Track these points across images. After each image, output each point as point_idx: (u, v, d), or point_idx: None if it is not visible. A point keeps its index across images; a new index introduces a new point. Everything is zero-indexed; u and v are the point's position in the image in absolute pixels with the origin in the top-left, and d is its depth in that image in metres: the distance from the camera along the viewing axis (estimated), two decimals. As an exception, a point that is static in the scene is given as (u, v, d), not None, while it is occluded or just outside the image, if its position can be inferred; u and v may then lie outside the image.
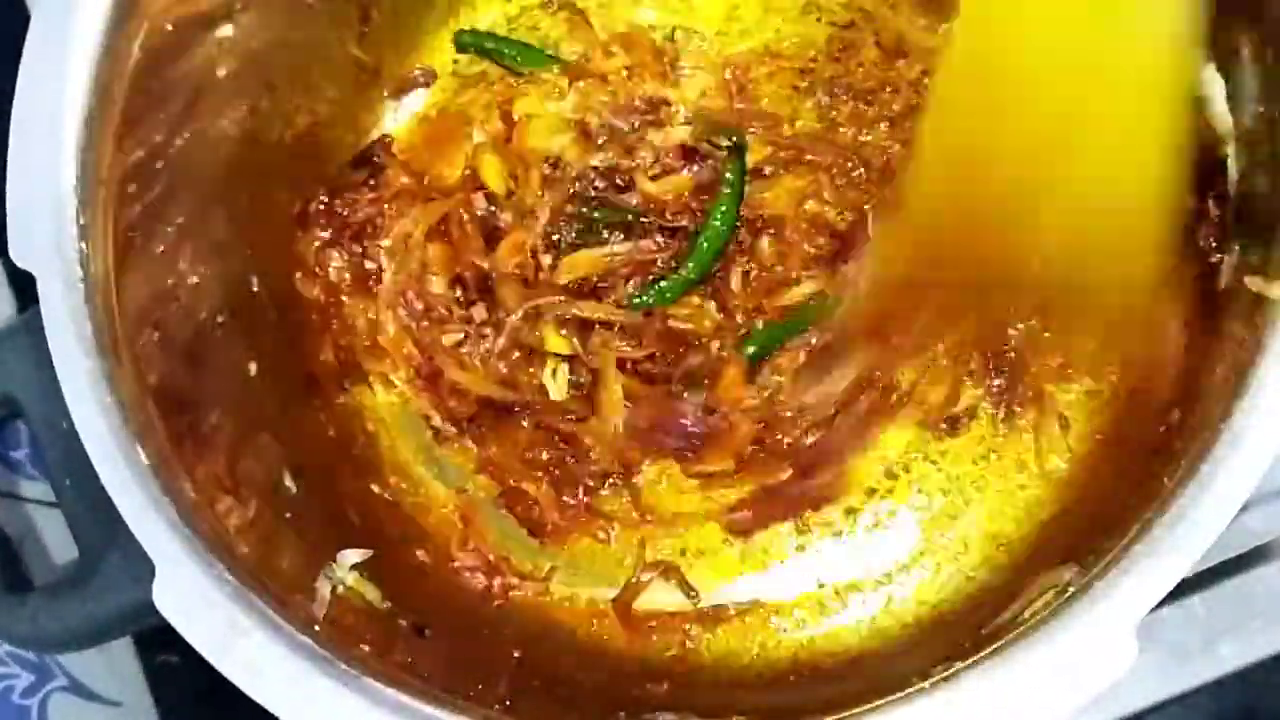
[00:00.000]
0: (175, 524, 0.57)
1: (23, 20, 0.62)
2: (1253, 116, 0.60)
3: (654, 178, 0.79)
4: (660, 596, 0.76)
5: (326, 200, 0.80)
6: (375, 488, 0.79)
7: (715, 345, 0.77)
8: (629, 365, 0.77)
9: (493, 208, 0.80)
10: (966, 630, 0.65)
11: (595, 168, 0.79)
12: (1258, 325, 0.57)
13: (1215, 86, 0.61)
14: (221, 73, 0.70)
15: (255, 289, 0.75)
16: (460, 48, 0.83)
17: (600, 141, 0.80)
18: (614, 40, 0.82)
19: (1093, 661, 0.53)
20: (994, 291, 0.69)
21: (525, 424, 0.78)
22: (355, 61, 0.81)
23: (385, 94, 0.83)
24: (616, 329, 0.77)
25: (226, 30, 0.69)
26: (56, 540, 0.81)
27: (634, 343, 0.77)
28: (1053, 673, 0.53)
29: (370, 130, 0.83)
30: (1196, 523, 0.54)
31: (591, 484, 0.77)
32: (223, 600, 0.56)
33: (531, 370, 0.78)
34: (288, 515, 0.68)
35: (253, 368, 0.73)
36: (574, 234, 0.79)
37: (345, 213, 0.80)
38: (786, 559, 0.76)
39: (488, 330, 0.78)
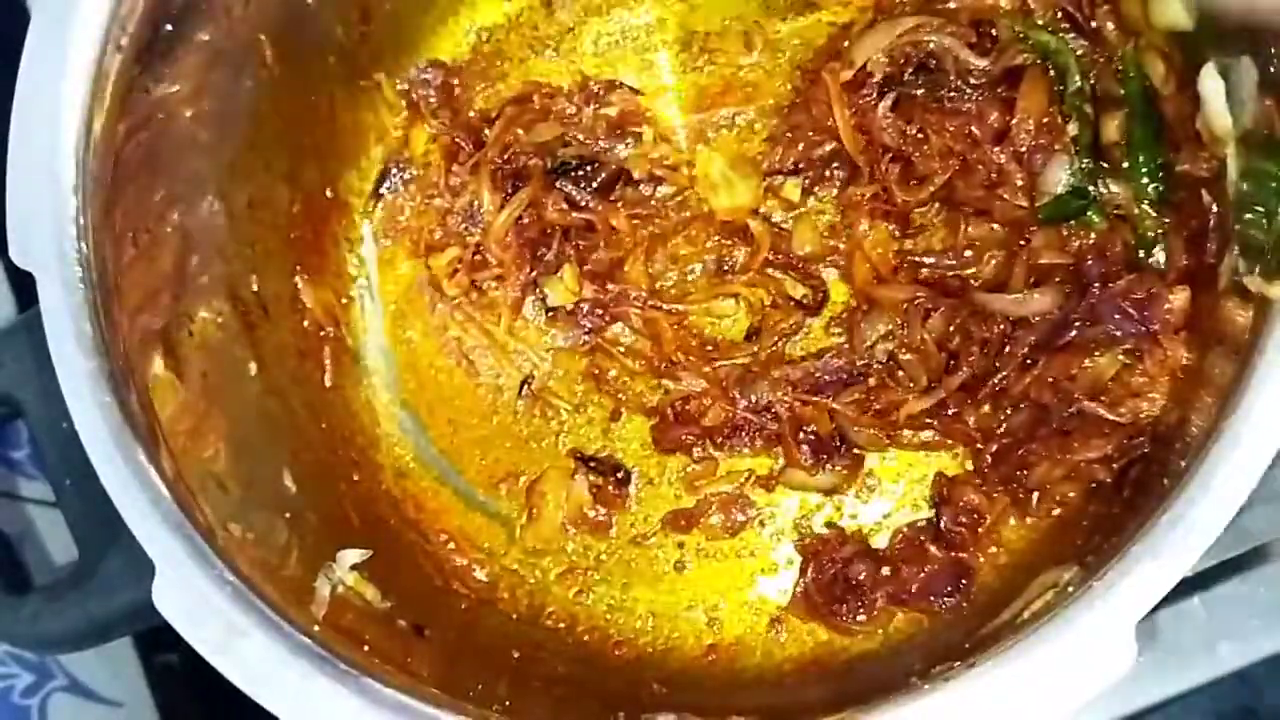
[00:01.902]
0: (175, 524, 0.57)
1: (23, 20, 0.62)
2: (1252, 116, 0.60)
3: None
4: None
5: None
6: (375, 487, 0.79)
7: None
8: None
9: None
10: (966, 630, 0.65)
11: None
12: (1257, 325, 0.57)
13: (1215, 87, 0.61)
14: (218, 72, 0.70)
15: (255, 289, 0.75)
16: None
17: None
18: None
19: (1093, 661, 0.53)
20: None
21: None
22: (357, 51, 0.81)
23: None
24: None
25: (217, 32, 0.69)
26: (56, 540, 0.81)
27: None
28: (1052, 673, 0.53)
29: (370, 132, 0.84)
30: (1196, 523, 0.54)
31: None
32: (222, 600, 0.57)
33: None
34: (288, 515, 0.68)
35: (253, 367, 0.73)
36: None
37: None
38: (792, 560, 0.76)
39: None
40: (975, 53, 0.74)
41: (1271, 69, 0.58)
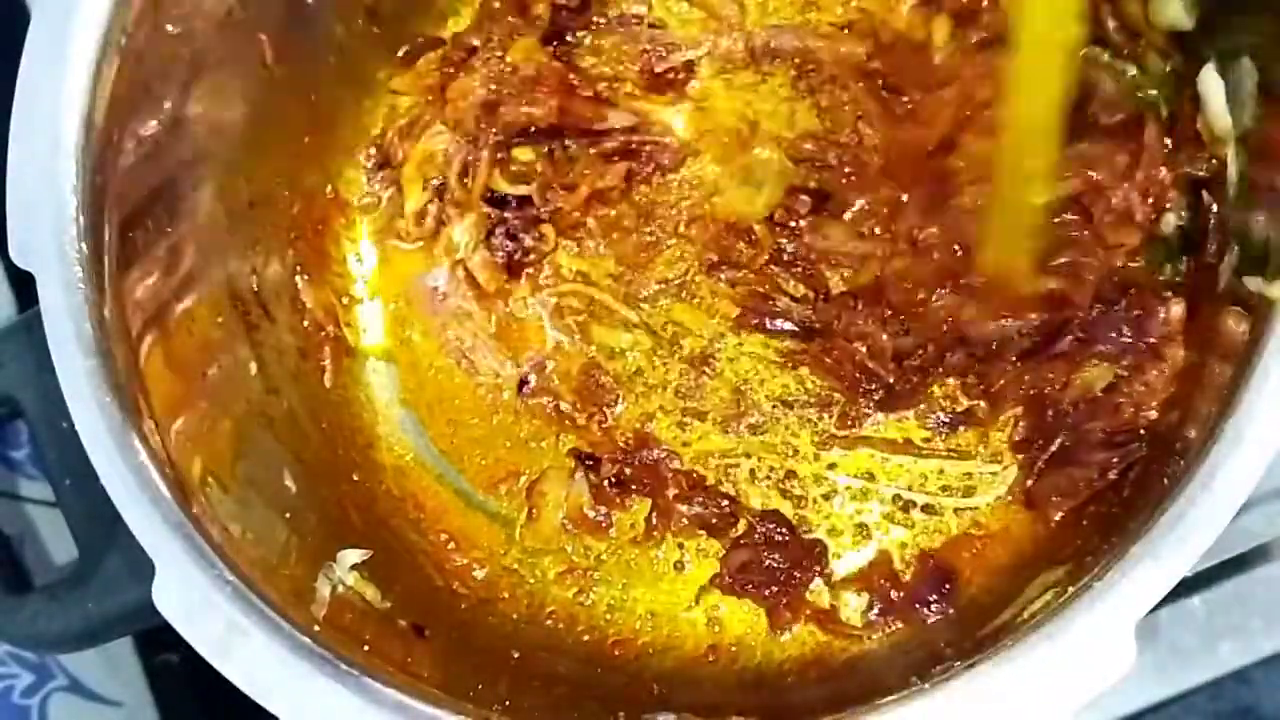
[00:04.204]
0: (175, 524, 0.57)
1: (23, 20, 0.62)
2: (1252, 116, 0.60)
3: None
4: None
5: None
6: (375, 487, 0.79)
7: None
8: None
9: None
10: (966, 630, 0.65)
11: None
12: (1257, 326, 0.57)
13: (1215, 87, 0.61)
14: (218, 72, 0.70)
15: (255, 289, 0.75)
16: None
17: None
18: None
19: (1093, 661, 0.53)
20: None
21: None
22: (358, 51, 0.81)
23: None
24: None
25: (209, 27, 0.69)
26: (56, 540, 0.81)
27: None
28: (1052, 673, 0.53)
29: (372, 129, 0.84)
30: (1196, 523, 0.54)
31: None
32: (222, 600, 0.57)
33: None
34: (288, 515, 0.68)
35: (253, 367, 0.73)
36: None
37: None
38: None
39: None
40: None
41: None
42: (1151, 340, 0.66)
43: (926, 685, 0.55)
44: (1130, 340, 0.67)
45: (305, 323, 0.79)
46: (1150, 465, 0.65)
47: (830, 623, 0.73)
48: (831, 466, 0.76)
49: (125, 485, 0.57)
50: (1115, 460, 0.67)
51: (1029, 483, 0.72)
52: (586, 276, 0.81)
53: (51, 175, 0.60)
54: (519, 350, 0.81)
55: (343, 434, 0.79)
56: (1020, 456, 0.73)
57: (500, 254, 0.81)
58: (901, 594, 0.72)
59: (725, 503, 0.76)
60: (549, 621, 0.76)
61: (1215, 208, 0.64)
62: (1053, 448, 0.70)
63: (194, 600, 0.56)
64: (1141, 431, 0.66)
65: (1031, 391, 0.71)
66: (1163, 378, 0.66)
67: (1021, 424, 0.73)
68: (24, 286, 0.75)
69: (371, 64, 0.82)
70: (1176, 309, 0.65)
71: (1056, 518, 0.70)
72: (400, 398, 0.82)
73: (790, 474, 0.77)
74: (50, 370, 0.59)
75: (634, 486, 0.77)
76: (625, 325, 0.80)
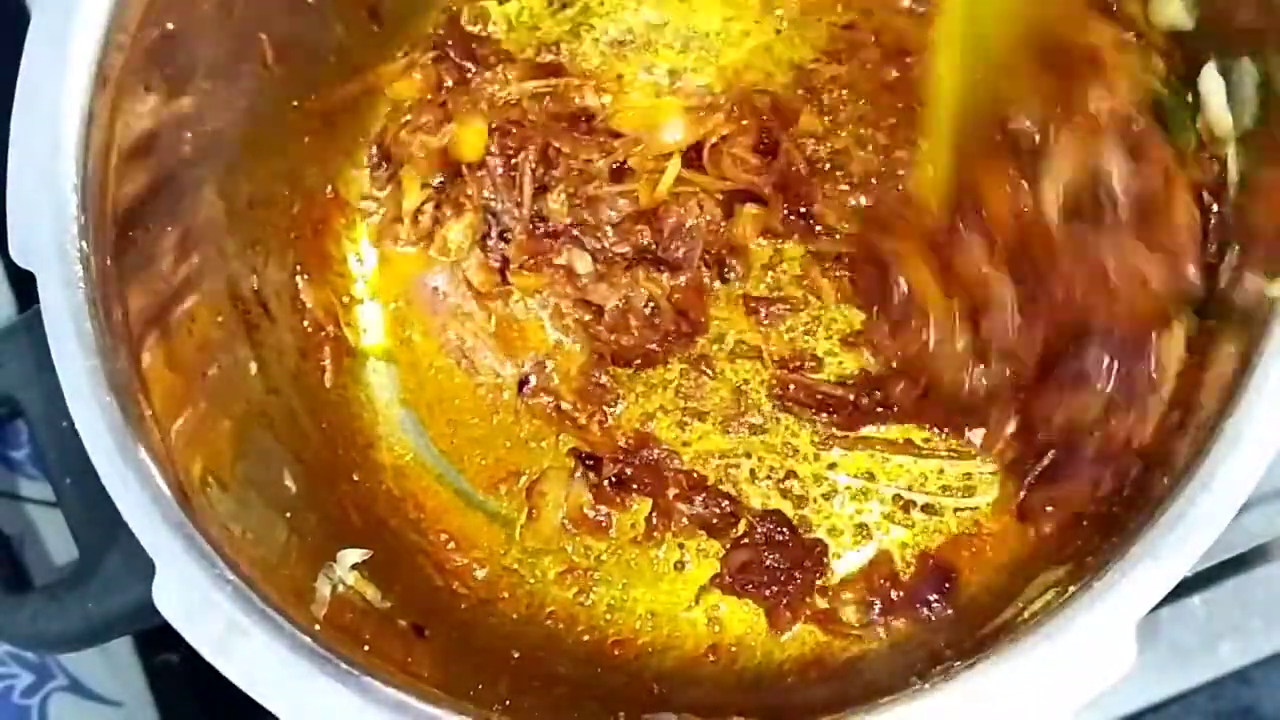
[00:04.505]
0: (175, 524, 0.57)
1: (23, 20, 0.62)
2: (1252, 116, 0.60)
3: None
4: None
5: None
6: (375, 487, 0.79)
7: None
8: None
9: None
10: (966, 630, 0.65)
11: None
12: (1257, 325, 0.57)
13: (1215, 86, 0.61)
14: (218, 72, 0.70)
15: (256, 288, 0.75)
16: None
17: None
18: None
19: (1093, 661, 0.53)
20: None
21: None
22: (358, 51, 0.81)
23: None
24: None
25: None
26: (56, 540, 0.81)
27: None
28: (1052, 673, 0.53)
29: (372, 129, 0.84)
30: (1196, 523, 0.54)
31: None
32: (223, 600, 0.57)
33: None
34: (288, 515, 0.68)
35: (253, 367, 0.73)
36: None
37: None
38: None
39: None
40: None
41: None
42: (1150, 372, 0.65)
43: (926, 685, 0.55)
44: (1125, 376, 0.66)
45: (305, 323, 0.79)
46: (1150, 466, 0.65)
47: (830, 623, 0.73)
48: (831, 466, 0.77)
49: (125, 485, 0.57)
50: (1108, 475, 0.66)
51: (1020, 495, 0.71)
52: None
53: (51, 175, 0.60)
54: (519, 350, 0.81)
55: (343, 434, 0.79)
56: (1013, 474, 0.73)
57: (495, 256, 0.81)
58: (901, 594, 0.72)
59: (725, 503, 0.76)
60: (549, 621, 0.76)
61: (1215, 208, 0.63)
62: (1044, 463, 0.70)
63: (194, 600, 0.56)
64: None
65: (1023, 412, 0.71)
66: (1159, 403, 0.64)
67: (1014, 444, 0.72)
68: (24, 286, 0.75)
69: (371, 64, 0.82)
70: (1177, 338, 0.63)
71: (1048, 529, 0.70)
72: (400, 398, 0.82)
73: (790, 474, 0.77)
74: (50, 370, 0.59)
75: (634, 486, 0.77)
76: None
